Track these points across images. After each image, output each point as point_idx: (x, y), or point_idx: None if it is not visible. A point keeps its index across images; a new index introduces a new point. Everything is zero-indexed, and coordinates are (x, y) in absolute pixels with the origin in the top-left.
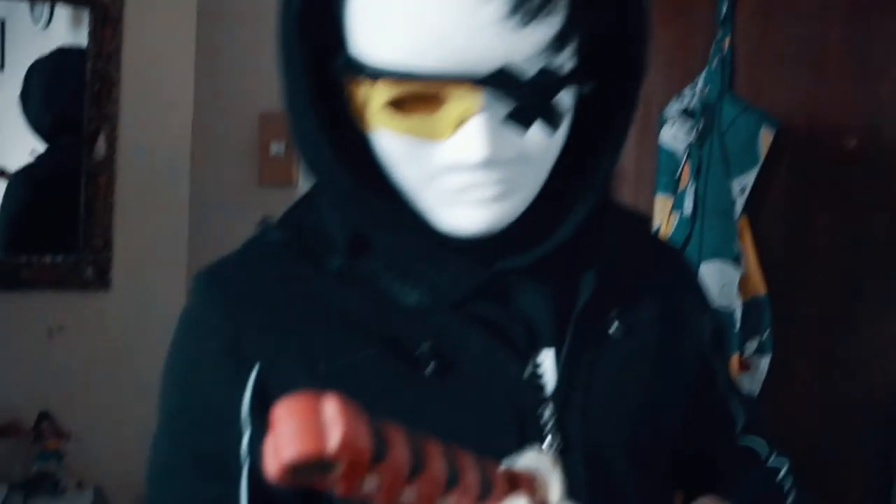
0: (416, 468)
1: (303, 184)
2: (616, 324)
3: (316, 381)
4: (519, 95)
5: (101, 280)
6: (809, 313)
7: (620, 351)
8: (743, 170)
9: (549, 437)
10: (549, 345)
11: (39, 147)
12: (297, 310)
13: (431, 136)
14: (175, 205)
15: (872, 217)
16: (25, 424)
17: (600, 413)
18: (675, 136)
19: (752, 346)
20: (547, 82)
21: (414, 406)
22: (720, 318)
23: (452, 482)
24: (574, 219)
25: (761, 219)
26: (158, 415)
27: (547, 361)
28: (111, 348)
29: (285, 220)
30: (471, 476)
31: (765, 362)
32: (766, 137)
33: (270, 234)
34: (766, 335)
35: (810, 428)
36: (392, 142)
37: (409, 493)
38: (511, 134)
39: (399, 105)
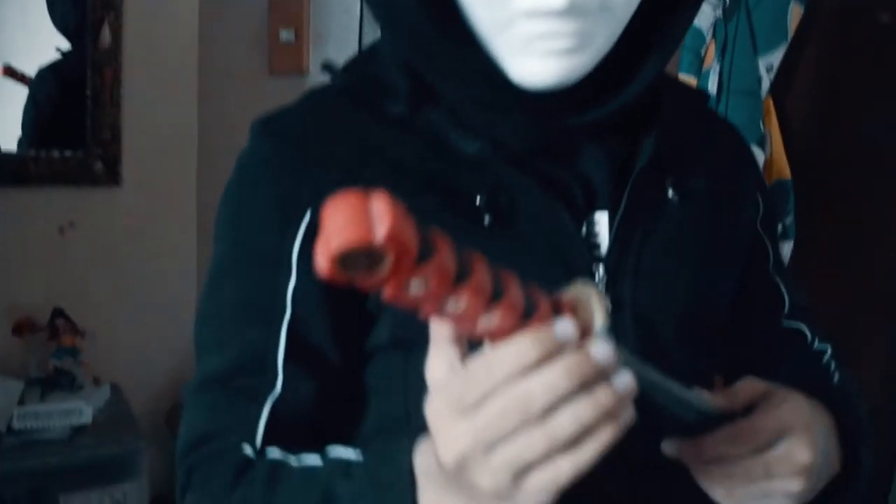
0: (462, 275)
1: (314, 72)
2: (672, 191)
3: None
4: None
5: (111, 175)
6: (835, 197)
7: (675, 218)
8: (770, 47)
9: None
10: (605, 207)
11: (64, 45)
12: (354, 156)
13: None
14: (184, 96)
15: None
16: (40, 321)
17: (651, 278)
18: (700, 12)
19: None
20: None
21: None
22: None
23: (497, 296)
24: (645, 77)
25: (788, 99)
26: (212, 256)
27: (602, 223)
28: (123, 244)
29: (348, 67)
30: (515, 293)
31: (788, 247)
32: (795, 12)
33: (332, 81)
34: (789, 220)
35: (831, 313)
36: None
37: (454, 303)
38: None
39: None
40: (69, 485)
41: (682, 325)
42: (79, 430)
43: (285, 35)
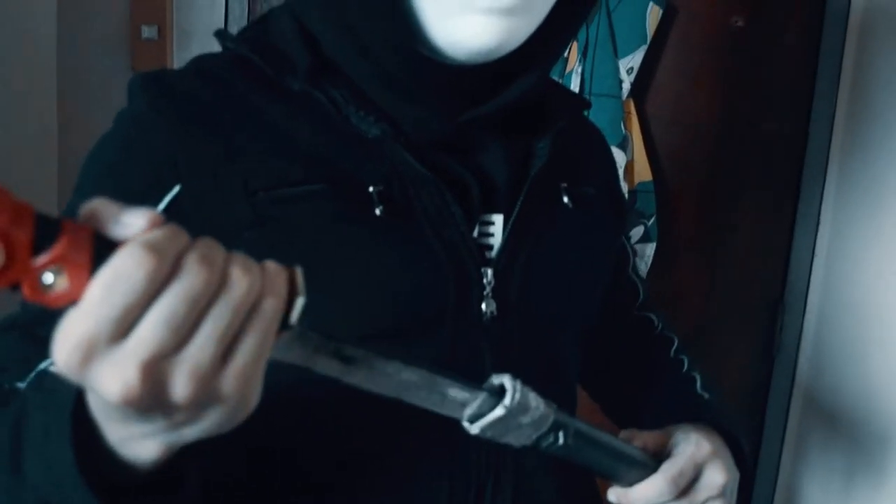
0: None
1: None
2: (565, 196)
3: (254, 207)
4: None
5: None
6: (694, 199)
7: (566, 223)
8: (630, 49)
9: (485, 300)
10: (500, 210)
11: None
12: (240, 129)
13: None
14: (42, 96)
15: (753, 97)
16: None
17: (540, 281)
18: None
19: (637, 232)
20: None
21: (358, 242)
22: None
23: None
24: (540, 72)
25: (648, 101)
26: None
27: (497, 224)
28: None
29: (241, 36)
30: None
31: (650, 249)
32: (654, 15)
33: (224, 48)
34: (651, 222)
35: (690, 312)
36: None
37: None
38: None
39: None
40: None
41: (564, 325)
42: None
43: (147, 32)
